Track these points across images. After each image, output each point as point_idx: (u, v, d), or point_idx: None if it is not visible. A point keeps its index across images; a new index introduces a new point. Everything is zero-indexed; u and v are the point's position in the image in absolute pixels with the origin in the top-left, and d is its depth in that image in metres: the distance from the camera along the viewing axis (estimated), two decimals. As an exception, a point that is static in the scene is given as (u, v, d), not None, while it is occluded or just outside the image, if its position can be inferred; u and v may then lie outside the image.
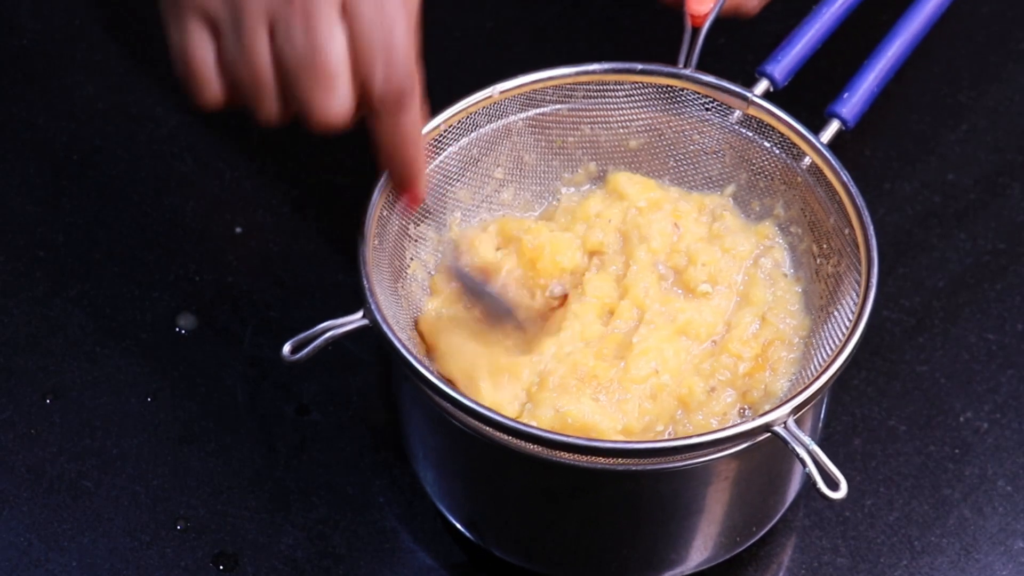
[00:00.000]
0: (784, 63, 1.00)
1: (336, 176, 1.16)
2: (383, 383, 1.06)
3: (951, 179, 1.16)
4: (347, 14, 0.83)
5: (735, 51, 1.21)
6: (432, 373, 0.87)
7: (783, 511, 0.98)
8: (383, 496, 1.02)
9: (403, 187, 0.92)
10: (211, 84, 0.86)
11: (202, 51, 0.85)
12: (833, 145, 0.97)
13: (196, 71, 0.86)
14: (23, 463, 1.03)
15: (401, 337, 0.89)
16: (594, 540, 0.94)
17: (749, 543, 0.98)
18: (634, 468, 0.87)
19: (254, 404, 1.06)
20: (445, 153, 0.98)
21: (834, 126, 0.98)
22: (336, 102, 0.84)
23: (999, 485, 1.03)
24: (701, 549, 0.95)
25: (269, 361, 1.07)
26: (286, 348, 0.89)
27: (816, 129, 0.97)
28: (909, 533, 1.01)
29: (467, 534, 0.98)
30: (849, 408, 1.05)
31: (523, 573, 0.98)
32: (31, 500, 1.02)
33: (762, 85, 0.99)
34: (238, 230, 1.14)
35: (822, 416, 0.96)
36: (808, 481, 0.99)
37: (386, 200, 0.94)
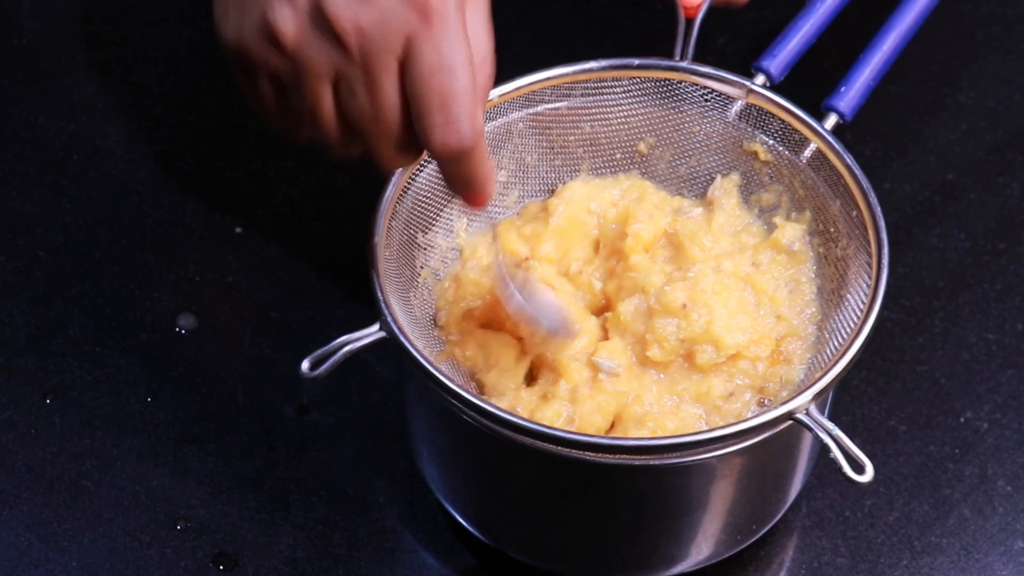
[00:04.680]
0: (780, 58, 1.00)
1: (336, 176, 1.16)
2: (383, 382, 1.06)
3: (951, 179, 1.16)
4: (407, 65, 0.84)
5: (731, 49, 1.21)
6: (451, 380, 0.87)
7: (785, 510, 0.98)
8: (383, 496, 1.02)
9: (470, 206, 0.92)
10: (293, 132, 0.89)
11: (276, 104, 0.88)
12: (831, 138, 0.97)
13: (274, 122, 0.89)
14: (23, 463, 1.03)
15: (418, 346, 0.89)
16: (600, 536, 0.94)
17: (751, 540, 0.98)
18: (653, 463, 0.87)
19: (254, 404, 1.06)
20: None
21: (831, 120, 0.98)
22: (399, 155, 0.87)
23: (999, 485, 1.03)
24: (703, 546, 0.95)
25: (269, 361, 1.07)
26: (305, 365, 0.89)
27: (814, 123, 0.98)
28: (909, 533, 1.01)
29: (472, 530, 0.98)
30: (849, 408, 1.05)
31: (527, 570, 0.98)
32: (31, 500, 1.02)
33: (759, 80, 0.99)
34: (238, 230, 1.14)
35: (827, 410, 0.96)
36: (808, 479, 1.00)
37: (393, 210, 0.94)
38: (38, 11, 1.24)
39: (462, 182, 0.88)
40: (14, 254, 1.12)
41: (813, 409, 0.86)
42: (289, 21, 0.83)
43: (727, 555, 0.97)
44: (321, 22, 0.82)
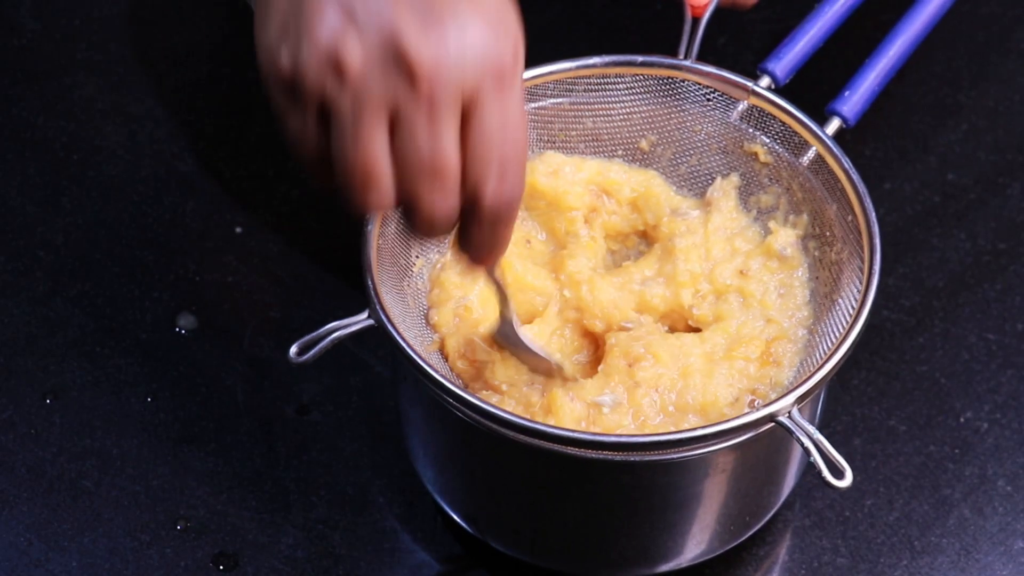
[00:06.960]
0: (785, 61, 1.00)
1: (336, 176, 1.16)
2: (383, 382, 1.06)
3: (951, 179, 1.16)
4: (471, 120, 0.82)
5: (736, 50, 1.21)
6: (437, 372, 0.87)
7: (779, 505, 0.98)
8: (383, 496, 1.02)
9: (477, 264, 0.88)
10: (323, 176, 0.84)
11: (316, 141, 0.83)
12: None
13: (307, 162, 0.84)
14: (23, 463, 1.03)
15: (407, 336, 0.89)
16: (593, 532, 0.94)
17: (745, 536, 0.98)
18: (634, 460, 0.87)
19: (254, 404, 1.06)
20: None
21: (835, 124, 0.98)
22: (446, 204, 0.83)
23: (999, 485, 1.03)
24: (698, 541, 0.95)
25: (269, 361, 1.07)
26: (293, 349, 0.89)
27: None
28: (909, 533, 1.01)
29: (468, 529, 0.98)
30: (849, 408, 1.05)
31: (524, 569, 0.98)
32: (31, 500, 1.02)
33: (763, 82, 0.99)
34: (238, 230, 1.14)
35: (819, 411, 0.96)
36: (804, 477, 1.00)
37: None
38: (38, 11, 1.24)
39: (486, 244, 0.85)
40: (14, 254, 1.12)
41: (795, 412, 0.86)
42: (357, 50, 0.79)
43: (723, 550, 0.97)
44: (393, 55, 0.79)
